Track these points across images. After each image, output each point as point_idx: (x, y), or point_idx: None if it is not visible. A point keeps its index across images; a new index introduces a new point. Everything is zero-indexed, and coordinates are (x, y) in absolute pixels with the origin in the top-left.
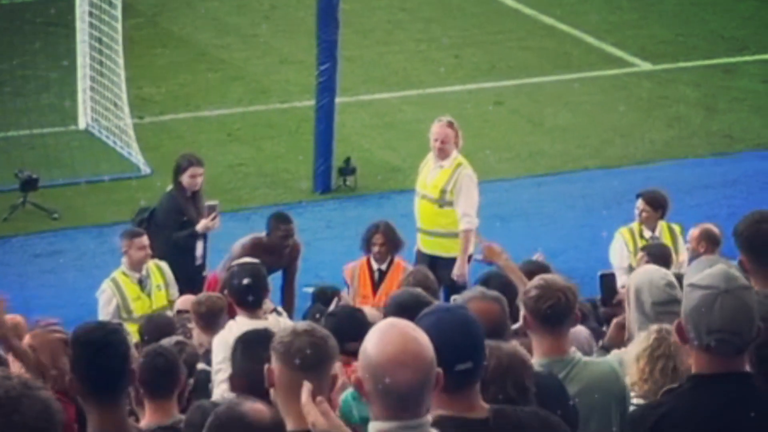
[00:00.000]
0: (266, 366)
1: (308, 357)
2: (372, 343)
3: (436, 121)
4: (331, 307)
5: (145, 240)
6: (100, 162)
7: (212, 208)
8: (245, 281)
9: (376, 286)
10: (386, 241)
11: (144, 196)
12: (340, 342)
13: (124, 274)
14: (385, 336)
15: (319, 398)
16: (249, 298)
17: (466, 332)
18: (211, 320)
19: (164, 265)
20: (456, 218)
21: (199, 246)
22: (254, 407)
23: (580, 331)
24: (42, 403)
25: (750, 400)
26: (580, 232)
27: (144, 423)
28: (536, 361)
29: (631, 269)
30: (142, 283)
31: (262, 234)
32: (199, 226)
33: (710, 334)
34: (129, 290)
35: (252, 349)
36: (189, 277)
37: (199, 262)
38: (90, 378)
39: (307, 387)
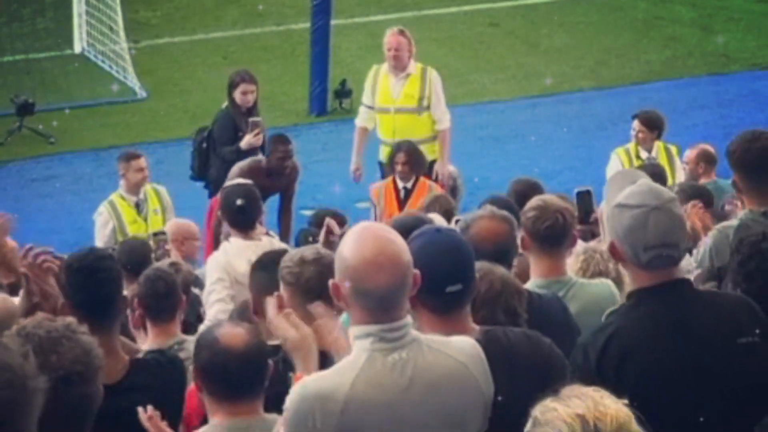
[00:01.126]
0: (276, 294)
1: (317, 286)
2: (348, 247)
3: (388, 31)
4: (322, 233)
5: (142, 162)
6: (96, 86)
7: (255, 124)
8: (238, 202)
9: (402, 204)
10: (408, 159)
11: (140, 120)
12: None
13: (122, 197)
14: (360, 239)
15: (287, 310)
16: (242, 219)
17: (456, 254)
18: None
19: (162, 189)
20: (430, 122)
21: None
22: (230, 331)
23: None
24: (81, 348)
25: (694, 301)
26: (576, 152)
27: (146, 346)
28: (534, 282)
29: None
30: (139, 206)
31: (261, 157)
32: (243, 143)
33: (647, 251)
34: (126, 213)
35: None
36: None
37: None
38: (83, 304)
39: (270, 301)
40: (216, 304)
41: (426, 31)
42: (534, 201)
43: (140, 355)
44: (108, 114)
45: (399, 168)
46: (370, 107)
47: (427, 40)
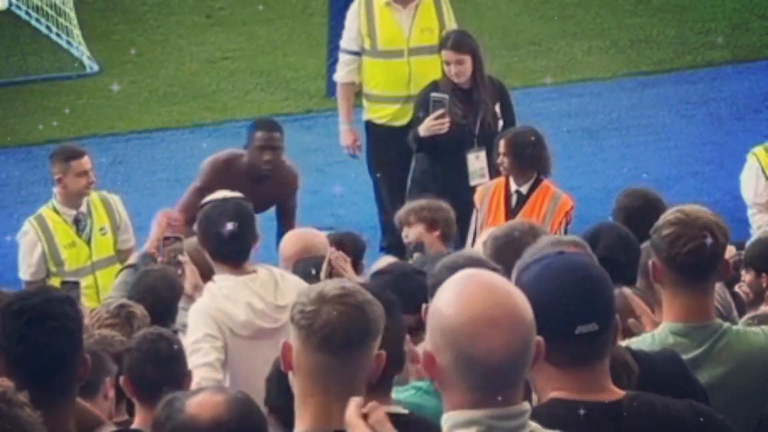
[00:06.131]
0: (283, 342)
1: (339, 334)
2: (447, 301)
3: None
4: (323, 269)
5: (86, 163)
6: (27, 55)
7: (439, 103)
8: (228, 226)
9: (511, 213)
10: (511, 150)
11: (90, 103)
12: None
13: (55, 210)
14: (465, 290)
15: (372, 404)
16: (233, 249)
17: (587, 282)
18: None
19: (114, 199)
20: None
21: (475, 158)
22: (207, 400)
23: None
24: (17, 427)
25: None
26: (702, 152)
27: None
28: (668, 327)
29: None
30: (79, 223)
31: (242, 151)
32: (421, 127)
33: None
34: (59, 233)
35: None
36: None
37: (477, 180)
38: (22, 361)
39: (354, 403)
40: (201, 370)
41: None
42: (671, 214)
43: None
44: (45, 95)
45: (498, 160)
46: (357, 53)
47: None
